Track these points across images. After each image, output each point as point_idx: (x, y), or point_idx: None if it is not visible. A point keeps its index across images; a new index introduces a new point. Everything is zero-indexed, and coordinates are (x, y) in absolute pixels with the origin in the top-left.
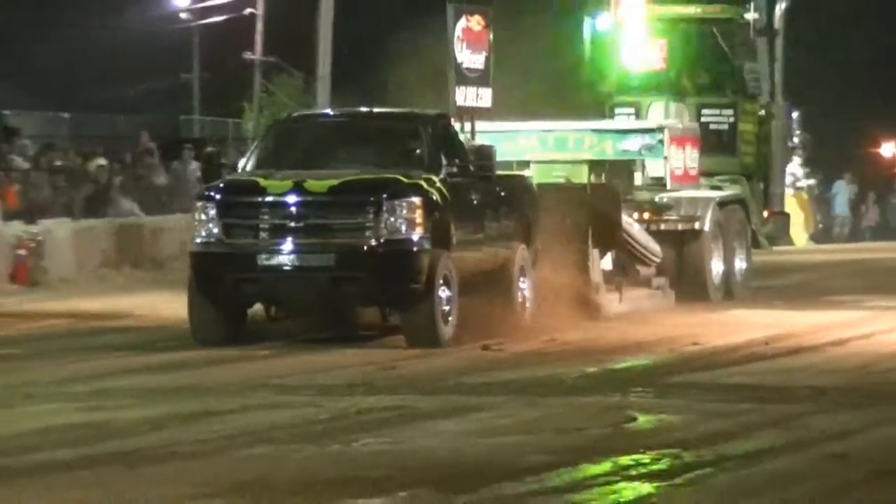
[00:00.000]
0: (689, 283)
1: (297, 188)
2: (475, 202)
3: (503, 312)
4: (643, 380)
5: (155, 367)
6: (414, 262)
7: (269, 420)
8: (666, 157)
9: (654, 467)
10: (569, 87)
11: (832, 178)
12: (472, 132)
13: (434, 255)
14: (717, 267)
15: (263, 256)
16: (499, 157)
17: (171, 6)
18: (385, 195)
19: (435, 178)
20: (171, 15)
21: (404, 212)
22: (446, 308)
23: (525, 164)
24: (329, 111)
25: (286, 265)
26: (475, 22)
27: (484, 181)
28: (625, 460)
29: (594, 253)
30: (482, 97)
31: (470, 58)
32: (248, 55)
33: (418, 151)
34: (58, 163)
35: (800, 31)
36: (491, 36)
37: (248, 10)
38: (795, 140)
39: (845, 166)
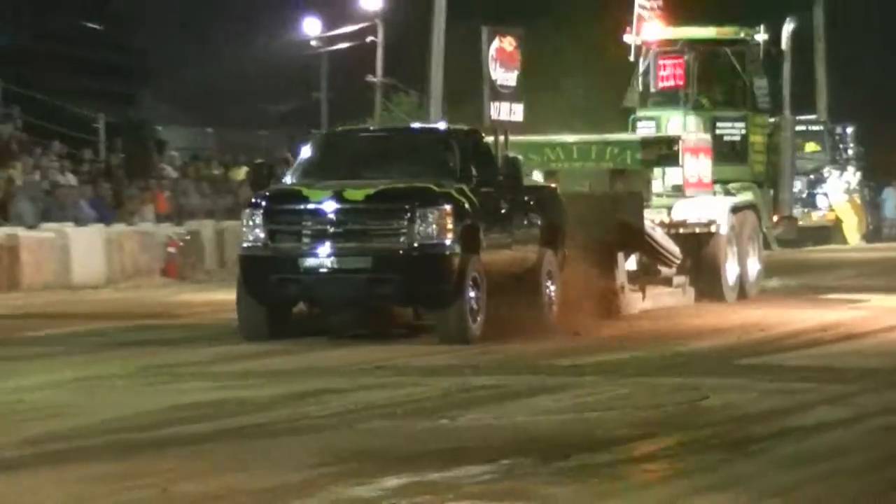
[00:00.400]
0: (705, 283)
1: (337, 196)
2: (504, 210)
3: (531, 312)
4: (714, 362)
5: (281, 351)
6: (444, 265)
7: (384, 397)
8: (681, 166)
9: (723, 439)
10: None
11: (883, 184)
12: (506, 144)
13: (463, 259)
14: (731, 268)
15: (305, 259)
16: (527, 167)
17: (303, 35)
18: (418, 203)
19: (465, 188)
20: (302, 42)
21: (435, 218)
22: (475, 308)
23: (552, 173)
24: (370, 126)
25: (326, 267)
26: (507, 42)
27: (512, 190)
28: (697, 433)
29: (619, 256)
30: (515, 112)
31: (503, 76)
32: (370, 78)
33: (450, 163)
34: (203, 172)
35: (856, 50)
36: (523, 55)
37: (369, 38)
38: (850, 152)
39: (894, 174)
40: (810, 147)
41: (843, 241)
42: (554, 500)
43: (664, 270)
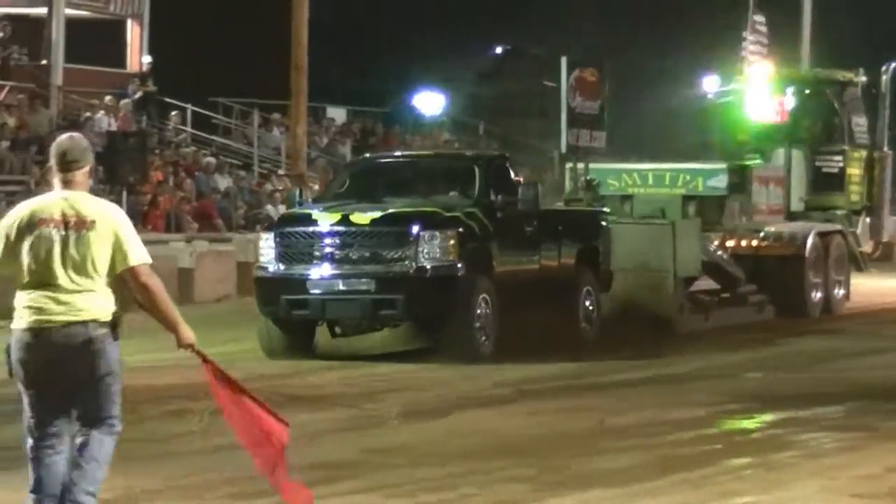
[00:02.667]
0: (789, 301)
1: (344, 220)
2: (528, 232)
3: (566, 330)
4: None
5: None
6: (445, 285)
7: (761, 356)
8: (749, 194)
9: None
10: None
11: None
12: (586, 169)
13: (469, 280)
14: (816, 287)
15: (312, 281)
16: (606, 192)
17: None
18: (421, 226)
19: (478, 211)
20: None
21: (438, 241)
22: (484, 326)
23: (628, 197)
24: (398, 153)
25: (332, 289)
26: (589, 73)
27: (539, 214)
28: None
29: (677, 278)
30: (596, 139)
31: (583, 104)
32: None
33: (469, 188)
34: None
35: None
36: (606, 86)
37: None
38: None
39: None
40: None
41: None
42: (892, 431)
43: (743, 289)
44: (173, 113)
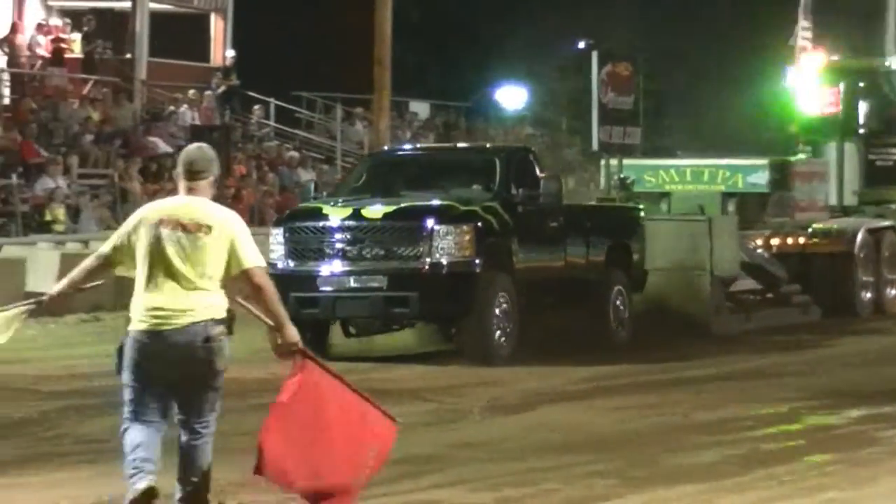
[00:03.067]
0: (837, 301)
1: (355, 215)
2: (552, 228)
3: (596, 330)
4: None
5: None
6: (460, 283)
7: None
8: (789, 190)
9: None
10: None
11: None
12: (620, 166)
13: (487, 277)
14: (866, 286)
15: (322, 278)
16: (643, 189)
17: None
18: (435, 221)
19: (498, 206)
20: None
21: (452, 236)
22: (503, 326)
23: (665, 194)
24: (418, 145)
25: (343, 286)
26: (622, 68)
27: (565, 209)
28: None
29: (714, 277)
30: (630, 135)
31: (616, 99)
32: None
33: (489, 181)
34: None
35: None
36: (640, 81)
37: None
38: None
39: None
40: None
41: None
42: None
43: (786, 288)
44: (256, 107)
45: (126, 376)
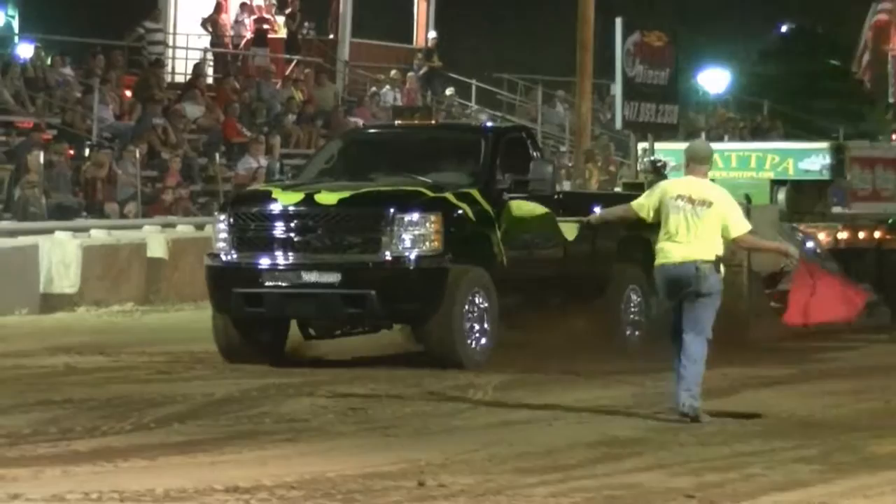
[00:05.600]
0: None
1: (307, 200)
2: (541, 218)
3: (602, 333)
4: None
5: None
6: (425, 280)
7: None
8: (846, 178)
9: None
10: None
11: None
12: (651, 148)
13: (457, 273)
14: None
15: (267, 272)
16: (679, 176)
17: None
18: (395, 208)
19: (477, 192)
20: None
21: (416, 226)
22: (476, 327)
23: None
24: (396, 123)
25: (291, 282)
26: (655, 38)
27: (562, 197)
28: None
29: (752, 274)
30: (665, 113)
31: (645, 73)
32: None
33: (471, 165)
34: None
35: None
36: (677, 53)
37: None
38: None
39: None
40: None
41: None
42: None
43: None
44: (449, 90)
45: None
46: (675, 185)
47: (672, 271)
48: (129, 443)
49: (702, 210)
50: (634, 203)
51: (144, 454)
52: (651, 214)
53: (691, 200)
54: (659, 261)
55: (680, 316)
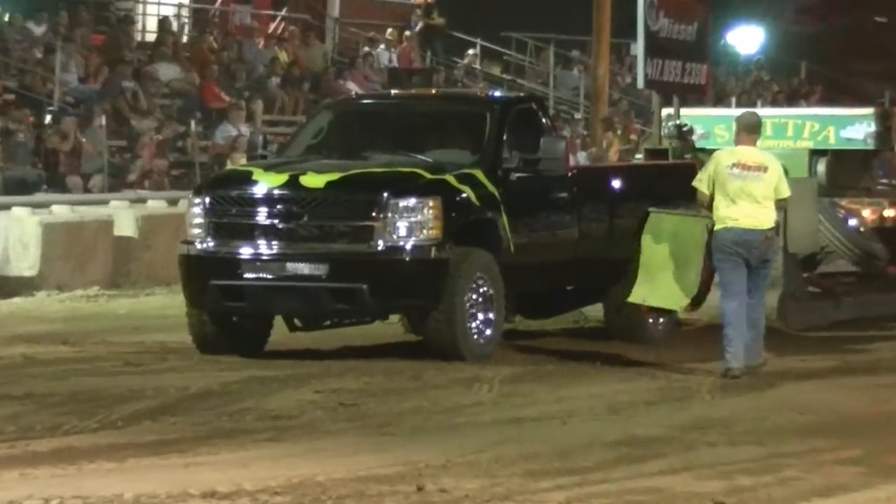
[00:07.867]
0: None
1: (292, 182)
2: (560, 198)
3: (623, 323)
4: None
5: None
6: (422, 272)
7: None
8: (894, 148)
9: None
10: None
11: None
12: (677, 112)
13: (458, 261)
14: None
15: (248, 263)
16: (709, 144)
17: None
18: (388, 193)
19: (480, 173)
20: None
21: (412, 213)
22: (480, 316)
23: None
24: (392, 92)
25: (274, 273)
26: None
27: (577, 175)
28: None
29: (788, 256)
30: (692, 73)
31: (671, 27)
32: None
33: (474, 141)
34: None
35: None
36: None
37: None
38: None
39: None
40: None
41: None
42: None
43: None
44: (470, 51)
45: (720, 260)
46: (728, 154)
47: (743, 236)
48: (94, 442)
49: (759, 175)
50: (696, 182)
51: (112, 455)
52: (710, 187)
53: (747, 167)
54: (726, 225)
55: (735, 279)
